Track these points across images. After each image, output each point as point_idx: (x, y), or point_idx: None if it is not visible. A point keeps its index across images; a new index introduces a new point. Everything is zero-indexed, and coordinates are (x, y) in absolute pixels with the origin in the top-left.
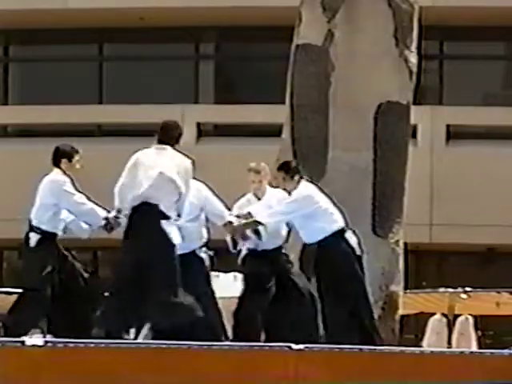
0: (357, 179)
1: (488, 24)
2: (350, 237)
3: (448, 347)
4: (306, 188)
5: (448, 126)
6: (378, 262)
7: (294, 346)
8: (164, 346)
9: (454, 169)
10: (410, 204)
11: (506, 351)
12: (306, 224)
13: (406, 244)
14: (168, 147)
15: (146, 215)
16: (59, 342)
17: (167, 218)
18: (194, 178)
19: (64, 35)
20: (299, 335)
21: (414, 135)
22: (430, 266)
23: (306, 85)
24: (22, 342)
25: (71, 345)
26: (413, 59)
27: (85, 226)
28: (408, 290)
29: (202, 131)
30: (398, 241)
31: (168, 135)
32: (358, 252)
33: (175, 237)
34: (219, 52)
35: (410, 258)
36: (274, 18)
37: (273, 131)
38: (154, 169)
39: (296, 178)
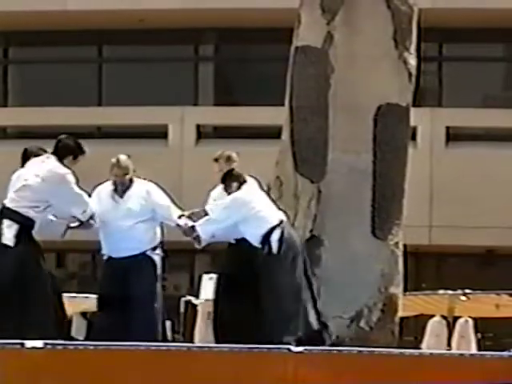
0: (356, 181)
1: (487, 26)
2: (276, 234)
3: (447, 349)
4: (240, 193)
5: (447, 128)
6: (378, 264)
7: (293, 349)
8: (164, 348)
9: (453, 170)
10: (410, 206)
11: (505, 353)
12: (241, 229)
13: (405, 246)
14: (52, 157)
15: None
16: (58, 344)
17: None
18: (145, 179)
19: (63, 37)
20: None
21: (414, 137)
22: (430, 267)
23: (306, 87)
24: (22, 344)
25: (71, 347)
26: (412, 61)
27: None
28: (407, 292)
29: (202, 133)
30: (397, 243)
31: (57, 147)
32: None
33: (9, 238)
34: (219, 54)
35: (410, 259)
36: (273, 19)
37: (272, 133)
38: (21, 178)
39: (234, 184)
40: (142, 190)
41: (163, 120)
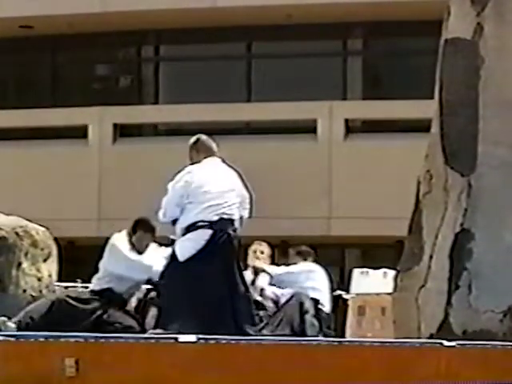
0: (508, 174)
1: None
2: None
3: None
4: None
5: None
6: None
7: (446, 343)
8: (315, 342)
9: None
10: None
11: None
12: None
13: None
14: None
15: None
16: (211, 339)
17: None
18: None
19: (213, 34)
20: None
21: None
22: None
23: (455, 79)
24: (175, 339)
25: (223, 341)
26: None
27: None
28: None
29: (350, 127)
30: None
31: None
32: None
33: None
34: (367, 48)
35: None
36: (421, 12)
37: (422, 126)
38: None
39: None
40: None
41: (312, 115)
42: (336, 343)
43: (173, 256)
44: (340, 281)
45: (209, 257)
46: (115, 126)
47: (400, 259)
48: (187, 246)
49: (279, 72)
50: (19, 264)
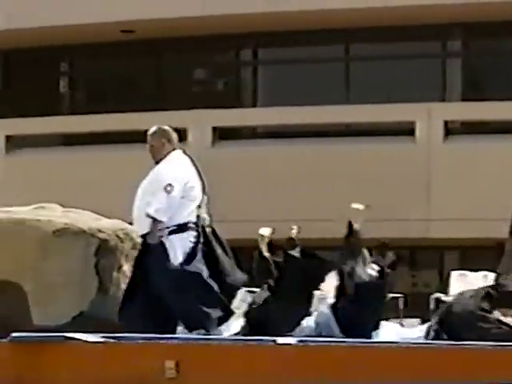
0: None
1: None
2: None
3: None
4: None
5: None
6: None
7: None
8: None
9: None
10: None
11: None
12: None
13: None
14: None
15: None
16: (311, 341)
17: None
18: None
19: (311, 36)
20: None
21: None
22: None
23: None
24: (274, 341)
25: (322, 343)
26: None
27: None
28: None
29: (450, 129)
30: None
31: None
32: None
33: None
34: (467, 49)
35: None
36: None
37: None
38: None
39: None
40: None
41: (410, 117)
42: (426, 345)
43: (164, 257)
44: (439, 283)
45: (199, 256)
46: (214, 129)
47: (500, 261)
48: (185, 246)
49: (377, 74)
50: (120, 266)
